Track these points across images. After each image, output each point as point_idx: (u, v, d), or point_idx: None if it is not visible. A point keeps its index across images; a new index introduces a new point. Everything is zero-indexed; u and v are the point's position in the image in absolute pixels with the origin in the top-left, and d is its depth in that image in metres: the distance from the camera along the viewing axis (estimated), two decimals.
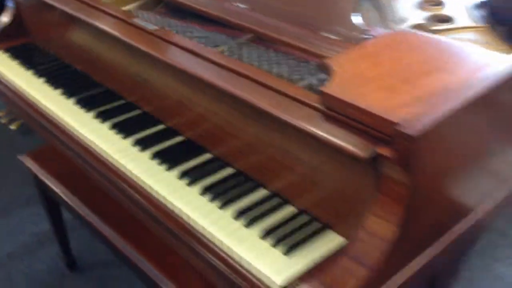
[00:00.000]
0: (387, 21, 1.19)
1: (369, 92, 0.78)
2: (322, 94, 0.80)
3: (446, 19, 1.21)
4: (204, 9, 1.19)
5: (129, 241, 1.26)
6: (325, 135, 0.77)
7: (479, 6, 1.23)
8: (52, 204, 1.64)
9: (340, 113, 0.77)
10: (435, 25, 1.16)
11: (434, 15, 1.22)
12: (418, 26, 1.12)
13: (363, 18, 1.20)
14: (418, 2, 1.28)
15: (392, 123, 0.70)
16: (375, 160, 0.73)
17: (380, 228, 0.76)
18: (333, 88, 0.79)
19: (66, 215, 1.70)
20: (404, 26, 1.12)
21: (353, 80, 0.81)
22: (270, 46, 1.08)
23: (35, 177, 1.54)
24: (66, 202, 1.44)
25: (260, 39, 1.10)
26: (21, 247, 1.92)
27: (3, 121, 2.47)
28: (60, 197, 1.46)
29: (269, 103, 0.87)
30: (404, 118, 0.70)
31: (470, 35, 1.13)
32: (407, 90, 0.78)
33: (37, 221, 2.00)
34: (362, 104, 0.74)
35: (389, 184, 0.74)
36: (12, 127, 2.43)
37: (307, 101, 0.83)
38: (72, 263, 1.81)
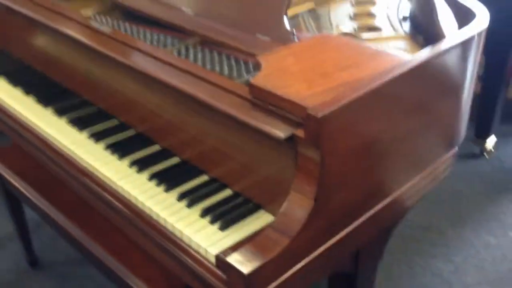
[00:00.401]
0: (322, 29, 1.33)
1: (289, 84, 0.89)
2: (250, 85, 0.91)
3: (374, 29, 1.35)
4: (153, 14, 1.30)
5: (91, 236, 1.33)
6: (249, 119, 0.89)
7: (404, 19, 1.38)
8: (14, 201, 1.71)
9: (264, 101, 0.89)
10: (365, 34, 1.30)
11: (364, 25, 1.36)
12: (348, 34, 1.25)
13: (302, 27, 1.34)
14: (352, 14, 1.42)
15: (304, 108, 0.82)
16: (292, 140, 0.85)
17: (298, 201, 0.87)
18: (259, 80, 0.91)
19: (28, 214, 1.77)
20: (335, 33, 1.25)
21: (277, 74, 0.93)
22: (214, 49, 1.19)
23: None
24: (28, 199, 1.51)
25: (205, 42, 1.21)
26: None
27: None
28: (23, 193, 1.53)
29: (207, 94, 0.98)
30: (314, 104, 0.82)
31: (394, 43, 1.27)
32: (322, 83, 0.90)
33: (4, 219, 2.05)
34: (282, 93, 0.86)
35: (304, 161, 0.85)
36: None
37: (238, 92, 0.94)
38: (34, 261, 1.87)
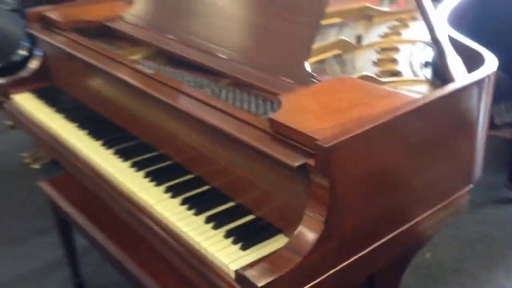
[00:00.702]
0: (346, 73, 1.44)
1: (304, 120, 1.01)
2: (270, 120, 1.03)
3: (396, 73, 1.45)
4: (192, 58, 1.45)
5: (131, 257, 1.45)
6: (267, 150, 1.00)
7: (426, 64, 1.48)
8: (65, 227, 1.87)
9: (282, 134, 1.00)
10: (385, 78, 1.41)
11: (386, 70, 1.47)
12: (368, 77, 1.36)
13: (328, 70, 1.46)
14: (376, 59, 1.53)
15: (314, 139, 0.92)
16: (304, 168, 0.95)
17: (310, 224, 0.96)
18: (278, 116, 1.03)
19: (78, 241, 1.92)
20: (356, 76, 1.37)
21: (295, 111, 1.05)
22: (243, 89, 1.33)
23: (51, 201, 1.78)
24: (77, 224, 1.66)
25: (236, 84, 1.35)
26: (34, 271, 2.13)
27: (27, 160, 2.76)
28: (73, 219, 1.68)
29: (233, 128, 1.10)
30: (324, 136, 0.92)
31: (413, 87, 1.36)
32: (334, 118, 1.00)
33: (51, 249, 2.21)
34: (297, 127, 0.97)
35: (315, 188, 0.95)
36: (35, 166, 2.72)
37: (260, 126, 1.06)
38: (80, 285, 2.00)
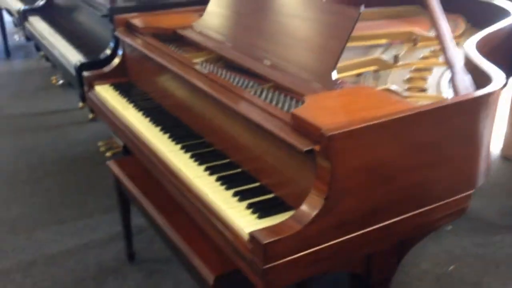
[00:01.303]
0: (376, 86, 1.63)
1: (319, 115, 1.21)
2: (291, 114, 1.25)
3: (423, 90, 1.63)
4: (241, 63, 1.70)
5: (179, 232, 1.68)
6: (286, 137, 1.22)
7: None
8: (125, 202, 2.16)
9: (300, 125, 1.22)
10: (407, 92, 1.58)
11: (414, 87, 1.65)
12: (390, 90, 1.54)
13: (362, 82, 1.66)
14: (407, 77, 1.71)
15: (320, 129, 1.13)
16: (312, 153, 1.16)
17: (313, 200, 1.17)
18: (298, 111, 1.24)
19: (134, 221, 2.21)
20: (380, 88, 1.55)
21: (313, 108, 1.26)
22: (281, 92, 1.55)
23: (116, 178, 2.08)
24: (136, 199, 1.94)
25: (276, 86, 1.58)
26: (96, 241, 2.44)
27: (102, 149, 3.13)
28: (132, 195, 1.96)
29: (262, 120, 1.33)
30: (329, 128, 1.13)
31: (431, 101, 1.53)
32: (344, 117, 1.20)
33: (112, 225, 2.53)
34: (310, 120, 1.18)
35: (320, 170, 1.15)
36: (108, 154, 3.09)
37: (284, 118, 1.28)
38: (131, 256, 2.29)
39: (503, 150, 3.15)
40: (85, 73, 2.22)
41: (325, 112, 1.24)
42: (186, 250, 1.59)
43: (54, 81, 4.30)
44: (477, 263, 2.23)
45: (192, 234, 1.62)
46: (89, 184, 2.93)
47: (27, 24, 3.55)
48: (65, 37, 2.93)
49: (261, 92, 1.57)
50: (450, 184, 1.35)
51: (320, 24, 1.54)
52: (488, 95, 1.31)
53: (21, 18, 3.58)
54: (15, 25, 5.33)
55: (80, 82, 2.40)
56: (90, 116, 3.79)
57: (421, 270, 2.20)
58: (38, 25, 3.33)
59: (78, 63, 2.42)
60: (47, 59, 4.07)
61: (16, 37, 5.53)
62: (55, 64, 3.13)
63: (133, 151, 1.89)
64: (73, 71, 2.48)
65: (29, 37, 3.73)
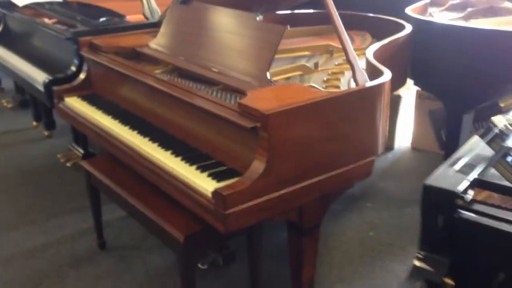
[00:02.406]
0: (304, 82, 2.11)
1: (259, 102, 1.65)
2: (238, 103, 1.68)
3: (336, 87, 2.12)
4: (194, 71, 2.13)
5: (153, 209, 2.05)
6: (237, 120, 1.65)
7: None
8: (95, 196, 2.49)
9: (244, 111, 1.65)
10: (325, 89, 2.07)
11: (331, 85, 2.14)
12: (312, 87, 2.02)
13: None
14: (325, 79, 2.20)
15: (260, 111, 1.57)
16: (255, 129, 1.59)
17: (258, 163, 1.60)
18: (243, 101, 1.68)
19: (104, 215, 2.56)
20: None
21: (253, 98, 1.70)
22: (227, 91, 1.99)
23: (88, 173, 2.42)
24: (105, 185, 2.30)
25: (224, 88, 2.02)
26: (67, 237, 2.74)
27: (62, 160, 3.44)
28: (101, 182, 2.31)
29: (221, 111, 1.76)
30: (266, 109, 1.57)
31: None
32: (278, 102, 1.65)
33: (79, 222, 2.84)
34: (252, 105, 1.62)
35: (261, 141, 1.59)
36: (68, 164, 3.40)
37: (234, 108, 1.72)
38: (103, 245, 2.62)
39: (412, 142, 3.75)
40: (55, 88, 2.56)
41: (263, 100, 1.69)
42: (158, 220, 1.97)
43: (5, 104, 4.54)
44: (392, 230, 2.74)
45: (161, 207, 2.01)
46: (52, 191, 3.23)
47: None
48: (26, 59, 3.24)
49: (212, 92, 2.00)
50: (357, 151, 1.83)
51: (255, 38, 2.00)
52: (380, 85, 1.81)
53: None
54: None
55: (49, 96, 2.73)
56: (46, 133, 4.07)
57: (347, 237, 2.68)
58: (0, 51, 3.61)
59: (47, 80, 2.75)
60: None
61: None
62: (21, 84, 3.42)
63: (105, 147, 2.25)
64: (41, 88, 2.80)
65: None
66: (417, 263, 1.19)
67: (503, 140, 1.19)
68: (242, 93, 1.88)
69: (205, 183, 1.69)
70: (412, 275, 1.18)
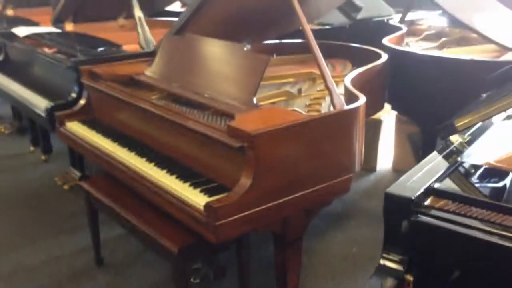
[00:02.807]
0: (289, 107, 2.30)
1: (246, 124, 1.84)
2: (227, 125, 1.87)
3: (318, 111, 2.32)
4: (187, 96, 2.32)
5: (148, 224, 2.21)
6: (226, 141, 1.84)
7: None
8: (94, 214, 2.65)
9: (232, 131, 1.84)
10: (309, 113, 2.27)
11: (312, 109, 2.34)
12: (295, 110, 2.22)
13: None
14: (308, 103, 2.40)
15: (247, 132, 1.76)
16: (243, 148, 1.78)
17: (245, 179, 1.78)
18: (232, 123, 1.87)
19: (102, 235, 2.70)
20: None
21: (242, 121, 1.89)
22: (218, 115, 2.18)
23: (86, 192, 2.58)
24: (104, 204, 2.46)
25: (215, 111, 2.21)
26: (66, 255, 2.88)
27: (59, 183, 3.59)
28: (100, 200, 2.47)
29: (212, 133, 1.94)
30: (253, 130, 1.76)
31: None
32: (263, 124, 1.84)
33: (77, 241, 2.99)
34: (240, 127, 1.81)
35: (248, 159, 1.77)
36: (65, 187, 3.55)
37: (222, 130, 1.90)
38: (100, 261, 2.77)
39: (393, 164, 3.95)
40: (58, 113, 2.74)
41: (250, 122, 1.88)
42: (154, 234, 2.13)
43: (2, 130, 4.71)
44: (374, 245, 2.90)
45: (157, 222, 2.17)
46: (51, 212, 3.37)
47: None
48: (27, 86, 3.43)
49: (204, 116, 2.19)
50: (336, 168, 2.02)
51: (242, 66, 2.20)
52: (356, 108, 2.01)
53: None
54: None
55: (50, 121, 2.91)
56: (43, 157, 4.23)
57: (332, 253, 2.85)
58: (1, 78, 3.80)
59: (49, 106, 2.93)
60: None
61: None
62: (21, 110, 3.59)
63: (105, 168, 2.42)
64: (42, 113, 2.98)
65: None
66: (381, 262, 1.36)
67: (458, 155, 1.37)
68: (231, 116, 2.07)
69: (197, 198, 1.87)
70: (377, 273, 1.35)
